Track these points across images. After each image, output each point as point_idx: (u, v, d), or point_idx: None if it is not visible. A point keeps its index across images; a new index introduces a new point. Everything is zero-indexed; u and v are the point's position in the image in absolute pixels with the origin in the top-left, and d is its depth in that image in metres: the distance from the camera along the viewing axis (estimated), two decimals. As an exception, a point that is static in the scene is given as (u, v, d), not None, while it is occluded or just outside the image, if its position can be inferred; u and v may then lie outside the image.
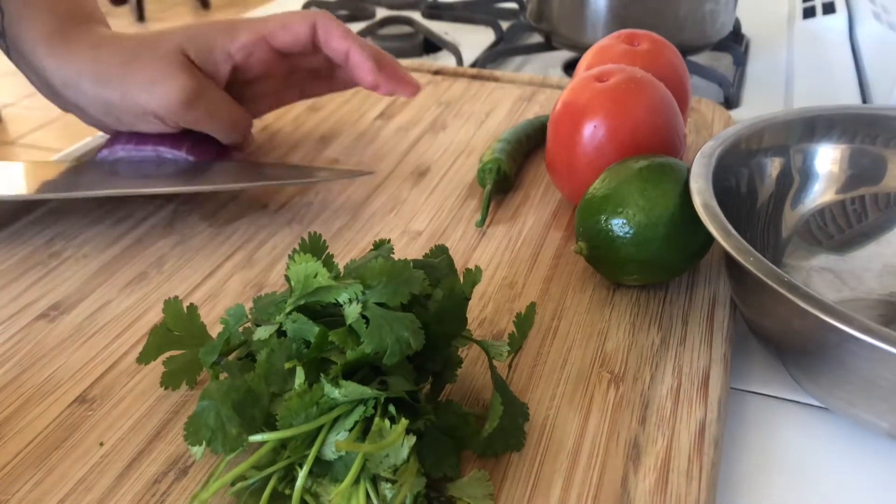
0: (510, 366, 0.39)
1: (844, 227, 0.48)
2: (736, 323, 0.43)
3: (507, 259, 0.48)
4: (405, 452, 0.28)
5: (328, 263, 0.34)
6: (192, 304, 0.36)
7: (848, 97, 0.74)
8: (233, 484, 0.30)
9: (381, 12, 1.04)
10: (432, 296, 0.34)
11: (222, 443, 0.29)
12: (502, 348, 0.36)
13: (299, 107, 0.69)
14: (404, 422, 0.29)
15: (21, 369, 0.39)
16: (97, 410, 0.37)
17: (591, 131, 0.47)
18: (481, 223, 0.51)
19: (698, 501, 0.32)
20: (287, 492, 0.30)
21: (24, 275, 0.46)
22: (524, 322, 0.36)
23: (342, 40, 0.53)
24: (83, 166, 0.54)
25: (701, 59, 0.83)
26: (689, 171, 0.42)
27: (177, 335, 0.36)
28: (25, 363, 0.40)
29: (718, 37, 0.78)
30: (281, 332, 0.33)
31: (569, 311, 0.43)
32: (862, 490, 0.35)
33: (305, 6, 1.05)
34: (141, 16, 3.99)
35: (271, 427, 0.30)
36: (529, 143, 0.59)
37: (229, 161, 0.56)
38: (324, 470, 0.29)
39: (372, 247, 0.38)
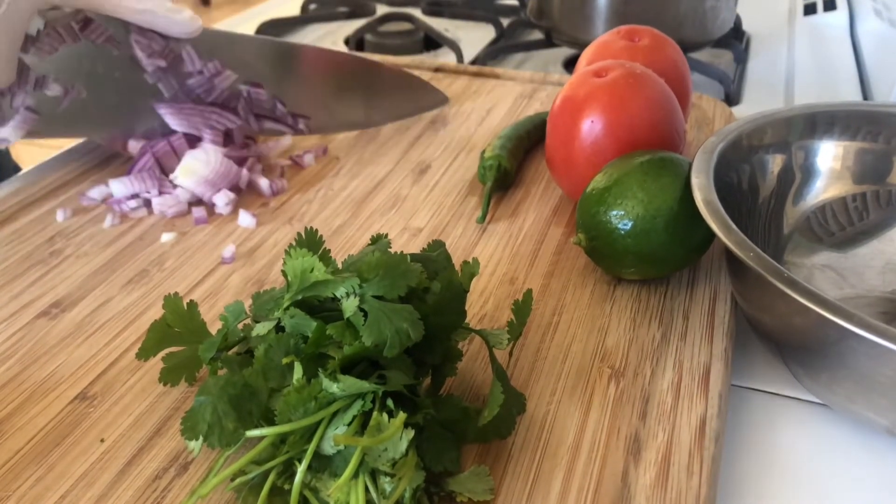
0: (510, 354, 0.39)
1: (846, 225, 0.47)
2: (736, 320, 0.43)
3: (508, 255, 0.48)
4: (403, 446, 0.28)
5: (324, 258, 0.34)
6: (191, 300, 0.36)
7: (849, 94, 0.74)
8: (232, 479, 0.30)
9: (382, 9, 1.04)
10: (430, 289, 0.33)
11: (219, 437, 0.29)
12: (502, 336, 0.36)
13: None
14: (402, 415, 0.29)
15: (22, 366, 0.39)
16: (98, 407, 0.37)
17: (589, 126, 0.47)
18: (482, 220, 0.51)
19: (699, 496, 0.32)
20: (286, 486, 0.30)
21: (26, 272, 0.47)
22: (522, 309, 0.36)
23: None
24: None
25: (702, 55, 0.83)
26: (690, 166, 0.42)
27: (176, 331, 0.36)
28: (27, 360, 0.40)
29: (719, 33, 0.78)
30: (279, 328, 0.33)
31: (569, 307, 0.43)
32: (861, 487, 0.35)
33: (304, 5, 1.05)
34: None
35: (270, 422, 0.30)
36: (530, 140, 0.59)
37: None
38: (323, 464, 0.29)
39: (370, 242, 0.38)
